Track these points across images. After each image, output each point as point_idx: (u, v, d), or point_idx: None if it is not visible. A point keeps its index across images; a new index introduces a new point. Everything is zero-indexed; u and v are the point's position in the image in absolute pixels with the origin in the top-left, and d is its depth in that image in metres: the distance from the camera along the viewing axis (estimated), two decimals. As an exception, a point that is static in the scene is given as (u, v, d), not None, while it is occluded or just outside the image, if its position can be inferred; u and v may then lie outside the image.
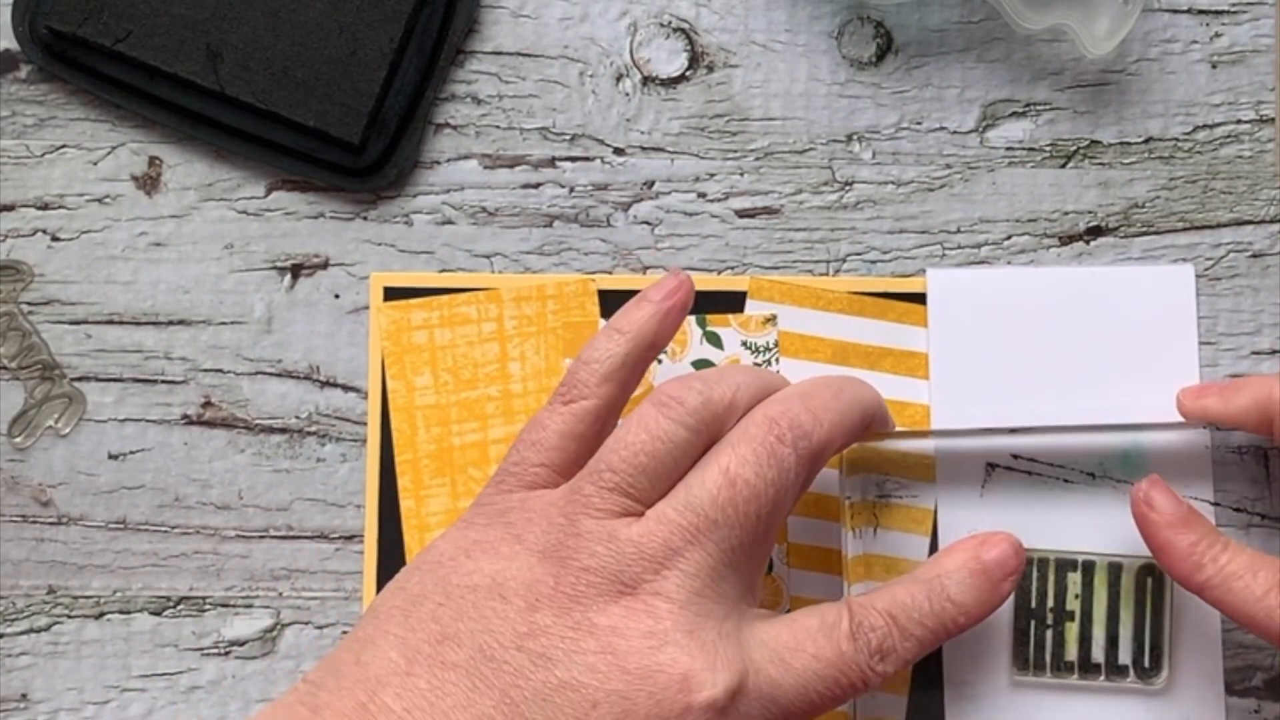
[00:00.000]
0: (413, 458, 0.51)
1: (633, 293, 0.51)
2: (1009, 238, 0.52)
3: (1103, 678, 0.49)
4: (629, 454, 0.43)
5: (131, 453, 0.51)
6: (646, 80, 0.53)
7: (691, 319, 0.51)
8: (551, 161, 0.52)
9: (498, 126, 0.52)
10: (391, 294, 0.51)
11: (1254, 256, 0.52)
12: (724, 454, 0.43)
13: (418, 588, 0.43)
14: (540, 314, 0.51)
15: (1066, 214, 0.52)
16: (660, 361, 0.51)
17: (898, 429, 0.49)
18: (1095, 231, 0.52)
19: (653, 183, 0.52)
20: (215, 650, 0.51)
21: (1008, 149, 0.53)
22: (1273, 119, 0.53)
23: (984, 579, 0.44)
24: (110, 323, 0.52)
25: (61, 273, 0.52)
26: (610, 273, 0.52)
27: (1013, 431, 0.50)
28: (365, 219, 0.52)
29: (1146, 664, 0.49)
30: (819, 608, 0.44)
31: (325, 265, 0.52)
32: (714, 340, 0.51)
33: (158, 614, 0.51)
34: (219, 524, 0.51)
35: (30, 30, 0.51)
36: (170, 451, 0.51)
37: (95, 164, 0.52)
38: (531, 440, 0.45)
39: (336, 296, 0.52)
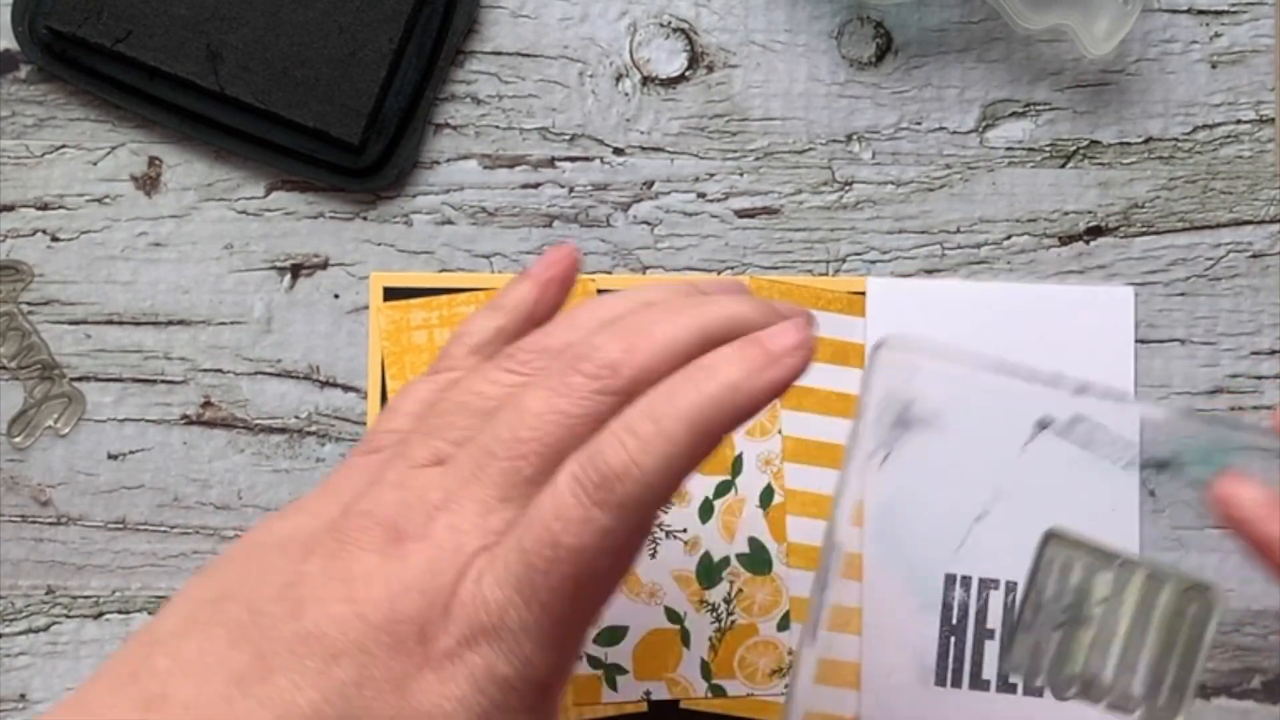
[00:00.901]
0: None
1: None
2: (1009, 238, 0.52)
3: (1104, 703, 0.42)
4: (458, 400, 0.39)
5: (131, 453, 0.51)
6: (646, 80, 0.53)
7: None
8: (551, 161, 0.52)
9: (497, 127, 0.52)
10: (391, 294, 0.51)
11: (1254, 256, 0.52)
12: (530, 395, 0.37)
13: (227, 551, 0.39)
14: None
15: (1066, 214, 0.52)
16: None
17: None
18: (1095, 231, 0.52)
19: (652, 183, 0.52)
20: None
21: (1007, 149, 0.53)
22: (1272, 119, 0.53)
23: (754, 350, 0.38)
24: (110, 323, 0.52)
25: (61, 273, 0.52)
26: (610, 273, 0.52)
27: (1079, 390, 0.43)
28: (365, 219, 0.52)
29: (1162, 702, 0.42)
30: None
31: (325, 265, 0.52)
32: None
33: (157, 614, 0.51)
34: (218, 524, 0.51)
35: (30, 30, 0.51)
36: (170, 451, 0.51)
37: (95, 164, 0.52)
38: (394, 408, 0.41)
39: (336, 296, 0.52)
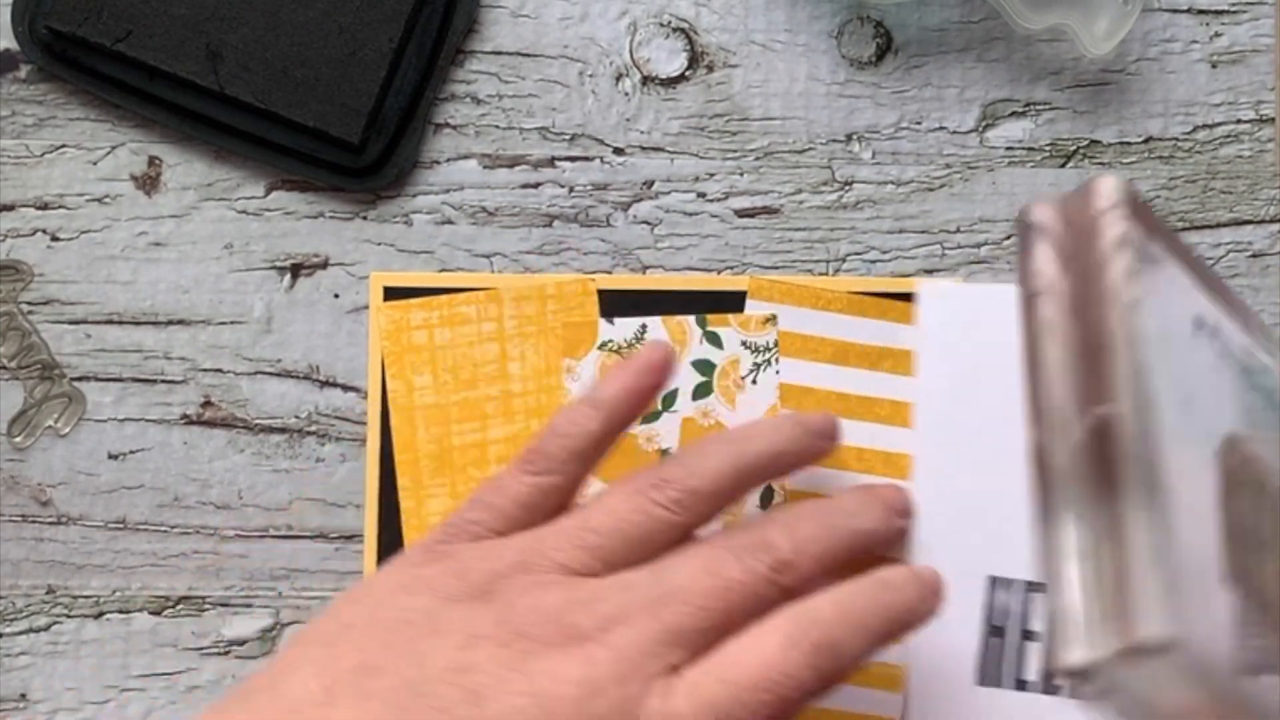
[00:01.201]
0: (412, 458, 0.51)
1: (632, 293, 0.51)
2: (1009, 237, 0.52)
3: None
4: (611, 521, 0.43)
5: (131, 452, 0.51)
6: (646, 80, 0.53)
7: (691, 319, 0.51)
8: (551, 161, 0.52)
9: (497, 126, 0.52)
10: (391, 294, 0.51)
11: (1254, 256, 0.52)
12: (709, 551, 0.43)
13: (348, 617, 0.42)
14: (540, 314, 0.51)
15: (1066, 214, 0.52)
16: None
17: None
18: (1095, 231, 0.52)
19: (652, 182, 0.52)
20: (215, 650, 0.51)
21: (1007, 149, 0.53)
22: (1272, 119, 0.53)
23: (919, 585, 0.44)
24: (110, 322, 0.52)
25: (61, 272, 0.52)
26: (610, 272, 0.52)
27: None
28: (365, 219, 0.52)
29: None
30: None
31: (325, 265, 0.52)
32: (714, 340, 0.51)
33: (157, 614, 0.51)
34: (218, 524, 0.51)
35: (30, 30, 0.51)
36: (170, 451, 0.51)
37: (95, 164, 0.52)
38: (489, 503, 0.44)
39: (336, 296, 0.52)
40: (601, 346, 0.51)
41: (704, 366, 0.51)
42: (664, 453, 0.51)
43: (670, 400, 0.51)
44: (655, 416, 0.51)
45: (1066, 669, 0.31)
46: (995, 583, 0.50)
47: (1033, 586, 0.50)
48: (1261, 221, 0.53)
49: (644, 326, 0.51)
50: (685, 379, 0.51)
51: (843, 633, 0.41)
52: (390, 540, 0.50)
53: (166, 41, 0.50)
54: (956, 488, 0.50)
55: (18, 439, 0.51)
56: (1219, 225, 0.52)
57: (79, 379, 0.51)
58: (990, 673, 0.49)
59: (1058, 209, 0.36)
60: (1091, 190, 0.36)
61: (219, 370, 0.52)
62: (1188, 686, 0.31)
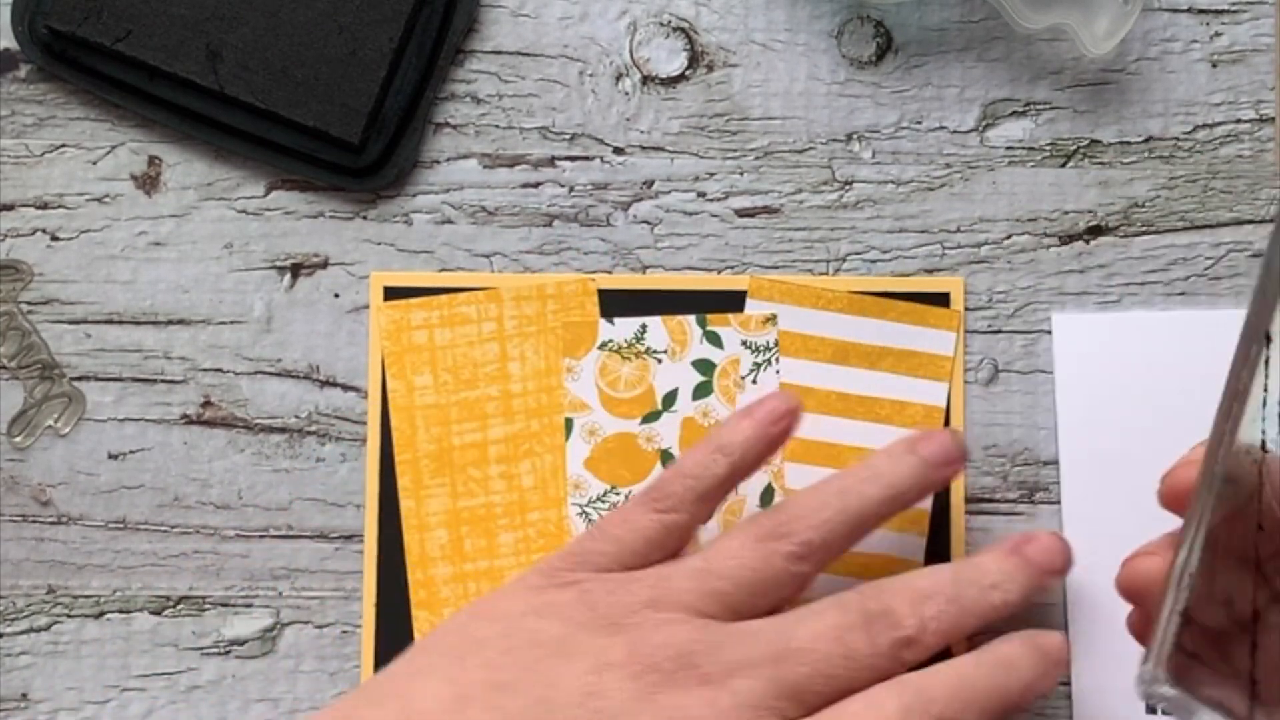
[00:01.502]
0: (412, 457, 0.51)
1: (633, 293, 0.51)
2: (1009, 237, 0.52)
3: None
4: (736, 568, 0.44)
5: (131, 452, 0.51)
6: (646, 80, 0.53)
7: (691, 319, 0.51)
8: (551, 161, 0.52)
9: (497, 126, 0.52)
10: (391, 294, 0.51)
11: (1254, 256, 0.52)
12: (836, 614, 0.44)
13: (479, 633, 0.43)
14: (540, 314, 0.51)
15: (1066, 213, 0.52)
16: (660, 361, 0.51)
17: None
18: (1095, 231, 0.52)
19: (652, 182, 0.52)
20: (215, 650, 0.51)
21: (1008, 148, 0.53)
22: (1273, 118, 0.53)
23: (1038, 660, 0.44)
24: (110, 322, 0.52)
25: (61, 272, 0.52)
26: (610, 272, 0.52)
27: None
28: (365, 218, 0.52)
29: None
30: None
31: (325, 265, 0.52)
32: (714, 340, 0.51)
33: (158, 613, 0.51)
34: (219, 523, 0.51)
35: (30, 30, 0.51)
36: (170, 451, 0.51)
37: (95, 163, 0.52)
38: (616, 536, 0.45)
39: (336, 296, 0.52)
40: (602, 346, 0.51)
41: (704, 366, 0.51)
42: (664, 453, 0.51)
43: (670, 400, 0.51)
44: (655, 416, 0.51)
45: None
46: None
47: None
48: (1262, 221, 0.52)
49: (644, 326, 0.51)
50: (685, 378, 0.51)
51: (958, 713, 0.42)
52: (390, 540, 0.50)
53: (166, 41, 0.50)
54: (1106, 517, 0.50)
55: (18, 439, 0.51)
56: (1219, 225, 0.52)
57: (79, 379, 0.51)
58: None
59: None
60: None
61: (219, 370, 0.52)
62: None
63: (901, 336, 0.51)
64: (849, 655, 0.43)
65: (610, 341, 0.51)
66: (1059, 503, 0.51)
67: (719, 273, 0.52)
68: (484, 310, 0.51)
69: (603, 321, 0.51)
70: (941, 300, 0.52)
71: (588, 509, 0.51)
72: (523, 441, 0.51)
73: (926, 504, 0.51)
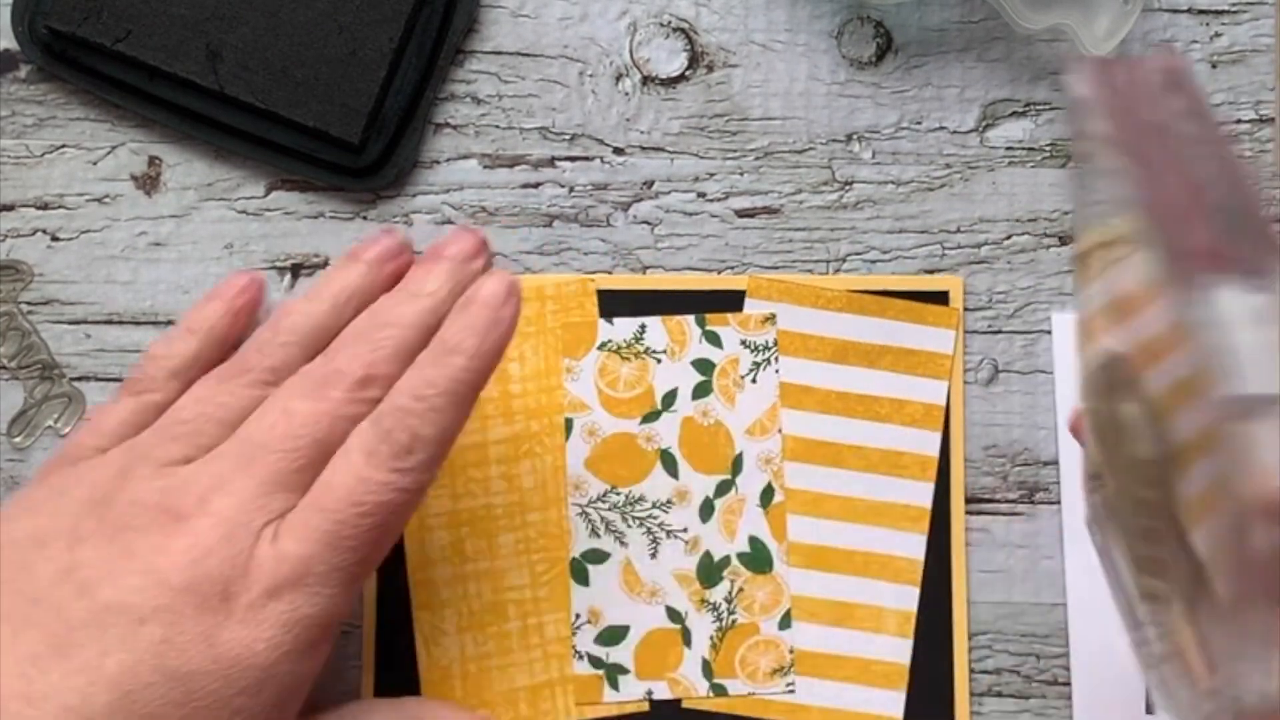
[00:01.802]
0: None
1: (632, 293, 0.51)
2: (1009, 237, 0.52)
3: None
4: (199, 408, 0.44)
5: (131, 452, 0.51)
6: (646, 80, 0.53)
7: (691, 318, 0.51)
8: (551, 161, 0.52)
9: (497, 126, 0.52)
10: None
11: (1254, 256, 0.52)
12: (282, 394, 0.44)
13: None
14: (539, 314, 0.51)
15: (1067, 214, 0.52)
16: (659, 361, 0.51)
17: None
18: (1095, 231, 0.52)
19: (652, 182, 0.52)
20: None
21: (1008, 149, 0.53)
22: (1272, 119, 0.53)
23: (478, 313, 0.44)
24: (110, 322, 0.52)
25: (61, 272, 0.52)
26: (610, 272, 0.52)
27: None
28: (365, 219, 0.52)
29: None
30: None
31: (325, 265, 0.52)
32: (713, 339, 0.51)
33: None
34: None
35: (30, 30, 0.51)
36: (170, 451, 0.51)
37: (95, 164, 0.52)
38: (95, 425, 0.46)
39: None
40: (601, 347, 0.51)
41: (703, 365, 0.51)
42: (663, 453, 0.51)
43: (670, 400, 0.51)
44: (655, 416, 0.51)
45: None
46: None
47: None
48: (1262, 221, 0.52)
49: (643, 326, 0.51)
50: (685, 378, 0.51)
51: (418, 419, 0.43)
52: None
53: (166, 41, 0.50)
54: None
55: (18, 439, 0.51)
56: (1219, 225, 0.52)
57: (79, 379, 0.51)
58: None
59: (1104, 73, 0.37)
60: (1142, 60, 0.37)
61: (219, 370, 0.51)
62: None
63: (901, 335, 0.51)
64: (304, 422, 0.43)
65: (610, 341, 0.51)
66: (1059, 503, 0.51)
67: (719, 273, 0.52)
68: None
69: (602, 322, 0.51)
70: (940, 299, 0.52)
71: (588, 509, 0.51)
72: (523, 442, 0.51)
73: (926, 503, 0.51)
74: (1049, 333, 0.52)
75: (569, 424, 0.51)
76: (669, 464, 0.51)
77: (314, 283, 0.48)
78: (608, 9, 0.53)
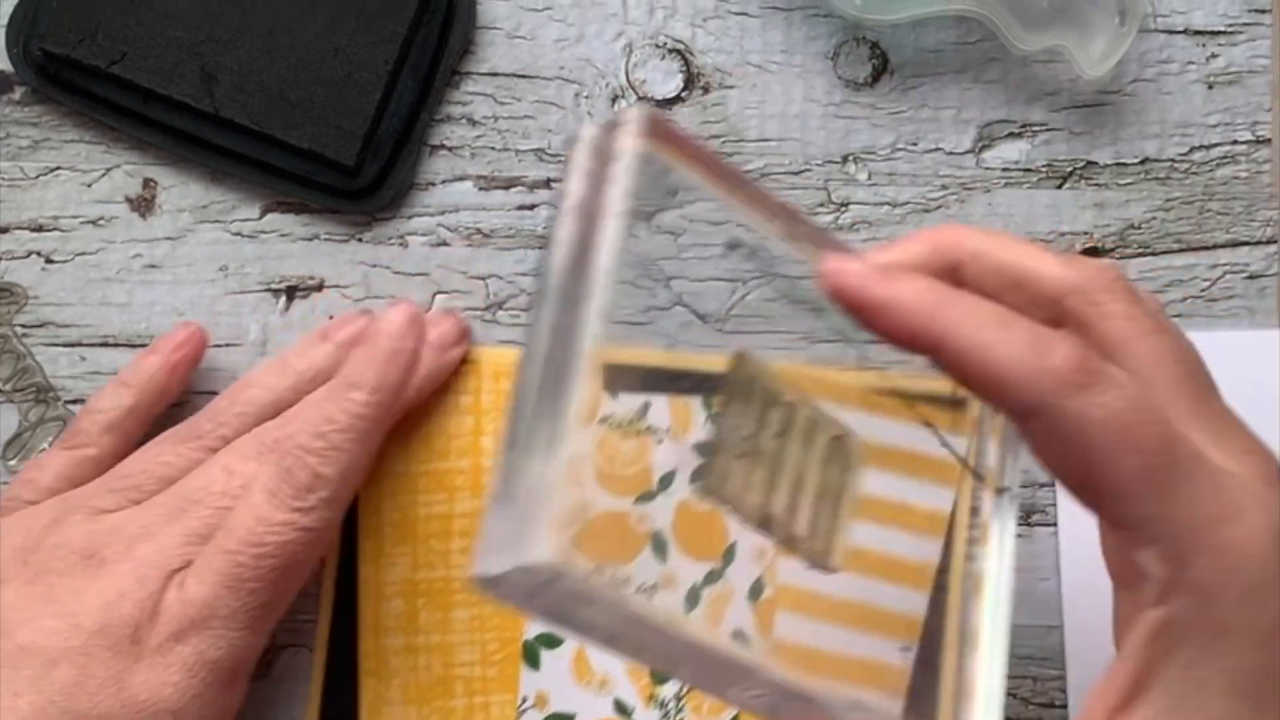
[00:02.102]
0: (376, 524, 0.50)
1: (638, 369, 0.50)
2: (1005, 259, 0.52)
3: (776, 538, 0.43)
4: (143, 465, 0.46)
5: (126, 475, 0.51)
6: (642, 101, 0.52)
7: (697, 400, 0.50)
8: (547, 183, 0.52)
9: (493, 148, 0.52)
10: None
11: (1250, 278, 0.52)
12: (226, 453, 0.45)
13: None
14: None
15: (1063, 235, 0.52)
16: (661, 442, 0.49)
17: None
18: (1091, 253, 0.52)
19: (648, 204, 0.52)
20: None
21: (1004, 170, 0.53)
22: (1269, 140, 0.53)
23: (377, 353, 0.45)
24: (105, 345, 0.51)
25: (56, 295, 0.52)
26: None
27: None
28: (360, 241, 0.52)
29: (818, 545, 0.43)
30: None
31: (320, 287, 0.52)
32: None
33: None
34: (214, 547, 0.51)
35: (24, 52, 0.51)
36: (165, 474, 0.51)
37: (89, 186, 0.52)
38: (28, 479, 0.47)
39: (331, 318, 0.52)
40: (602, 421, 0.49)
41: (706, 449, 0.50)
42: (655, 534, 0.49)
43: (667, 482, 0.49)
44: (650, 498, 0.49)
45: (477, 577, 0.33)
46: None
47: None
48: (1258, 243, 0.52)
49: (647, 404, 0.49)
50: (685, 461, 0.49)
51: (317, 458, 0.43)
52: (345, 603, 0.50)
53: (161, 64, 0.50)
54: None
55: (12, 462, 0.51)
56: (1215, 246, 0.52)
57: (74, 402, 0.51)
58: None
59: (596, 133, 0.37)
60: (619, 118, 0.37)
61: (214, 393, 0.51)
62: (577, 603, 0.35)
63: (912, 437, 0.49)
64: (244, 483, 0.44)
65: (611, 416, 0.50)
66: (1055, 525, 0.51)
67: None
68: (462, 382, 0.51)
69: (605, 395, 0.50)
70: (959, 403, 0.50)
71: None
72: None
73: (920, 612, 0.49)
74: (1045, 354, 0.52)
75: None
76: (659, 546, 0.49)
77: (279, 356, 0.49)
78: (604, 30, 0.53)
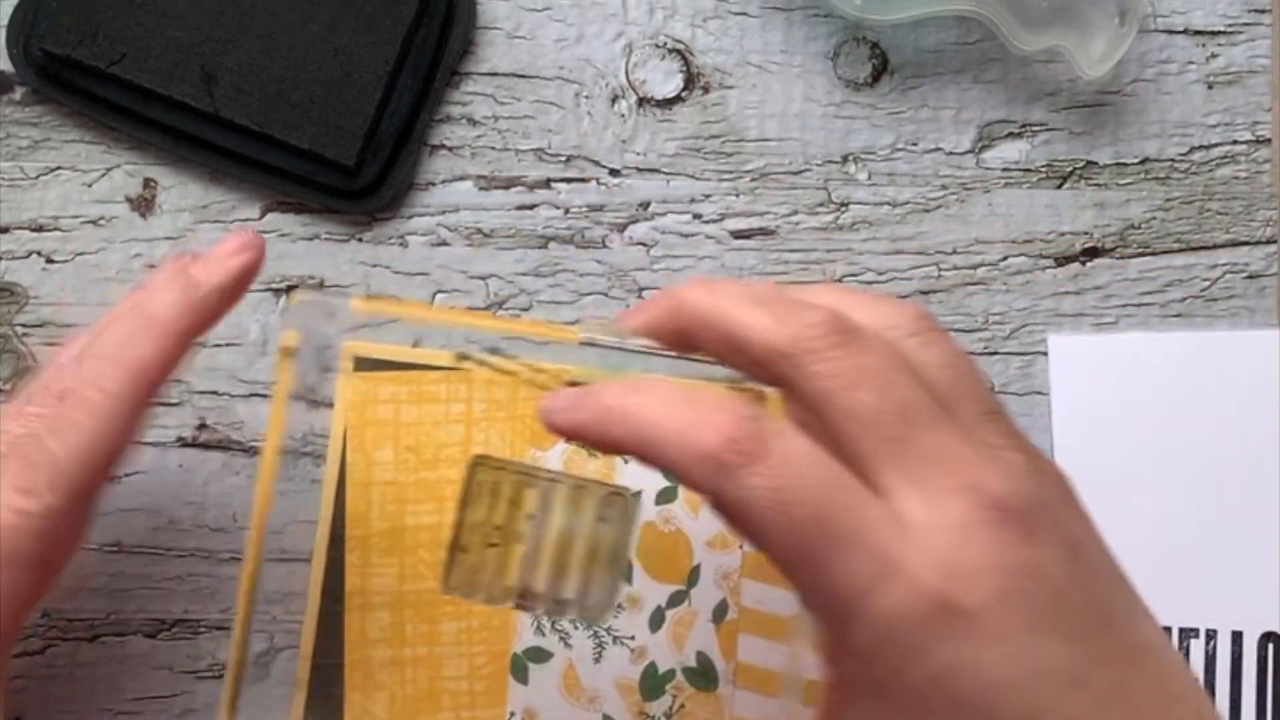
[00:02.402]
0: (363, 534, 0.50)
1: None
2: (1005, 259, 0.52)
3: (540, 610, 0.46)
4: None
5: (127, 475, 0.51)
6: (642, 101, 0.53)
7: None
8: (547, 183, 0.52)
9: (493, 148, 0.52)
10: (362, 364, 0.50)
11: (1250, 278, 0.52)
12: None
13: None
14: (511, 399, 0.50)
15: (1062, 235, 0.52)
16: (626, 461, 0.48)
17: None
18: (1091, 253, 0.52)
19: (648, 204, 0.52)
20: (209, 673, 0.50)
21: (1004, 170, 0.53)
22: (1269, 140, 0.53)
23: (175, 274, 0.42)
24: (105, 345, 0.51)
25: (56, 295, 0.52)
26: (606, 294, 0.52)
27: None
28: (360, 240, 0.52)
29: (592, 601, 0.45)
30: None
31: (320, 287, 0.52)
32: None
33: (152, 636, 0.51)
34: (214, 546, 0.51)
35: (25, 52, 0.51)
36: (165, 474, 0.51)
37: (90, 186, 0.52)
38: None
39: (330, 316, 0.52)
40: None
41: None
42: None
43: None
44: None
45: None
46: None
47: (1185, 633, 0.50)
48: (1258, 243, 0.52)
49: None
50: (650, 482, 0.49)
51: (94, 370, 0.41)
52: (332, 615, 0.49)
53: (161, 64, 0.50)
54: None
55: None
56: (1215, 247, 0.52)
57: (74, 401, 0.51)
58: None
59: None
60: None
61: (214, 392, 0.51)
62: None
63: None
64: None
65: None
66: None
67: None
68: (453, 391, 0.50)
69: None
70: None
71: None
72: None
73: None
74: (1045, 354, 0.52)
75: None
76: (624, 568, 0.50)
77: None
78: (604, 30, 0.53)
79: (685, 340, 0.40)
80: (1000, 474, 0.36)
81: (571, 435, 0.38)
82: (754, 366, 0.39)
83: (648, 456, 0.36)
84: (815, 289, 0.40)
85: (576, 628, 0.49)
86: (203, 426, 0.51)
